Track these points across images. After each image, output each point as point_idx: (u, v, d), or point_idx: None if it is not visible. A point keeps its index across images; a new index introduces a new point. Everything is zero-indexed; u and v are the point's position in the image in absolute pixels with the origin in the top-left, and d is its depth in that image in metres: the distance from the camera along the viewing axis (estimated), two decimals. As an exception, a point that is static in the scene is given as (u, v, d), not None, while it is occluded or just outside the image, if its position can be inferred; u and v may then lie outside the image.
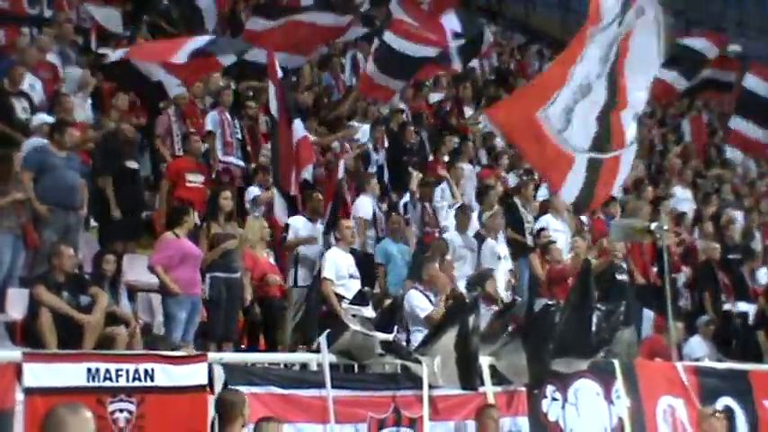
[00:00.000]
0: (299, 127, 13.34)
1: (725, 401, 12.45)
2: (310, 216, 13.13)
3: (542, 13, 35.08)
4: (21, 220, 11.23)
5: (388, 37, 16.15)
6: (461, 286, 13.22)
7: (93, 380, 8.52)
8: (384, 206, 14.95)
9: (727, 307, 15.58)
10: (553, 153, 11.19)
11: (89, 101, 14.09)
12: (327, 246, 12.55)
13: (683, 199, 19.41)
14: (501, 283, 13.81)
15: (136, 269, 11.82)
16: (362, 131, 16.82)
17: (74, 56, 15.32)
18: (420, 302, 11.88)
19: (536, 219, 15.69)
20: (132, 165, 12.89)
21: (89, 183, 12.11)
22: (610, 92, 11.64)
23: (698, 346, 14.53)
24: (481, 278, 13.07)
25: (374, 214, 14.40)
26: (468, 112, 20.29)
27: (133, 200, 12.80)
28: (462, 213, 14.43)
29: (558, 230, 15.23)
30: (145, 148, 14.18)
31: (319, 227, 13.15)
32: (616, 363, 11.97)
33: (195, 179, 13.17)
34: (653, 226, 13.99)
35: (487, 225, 14.53)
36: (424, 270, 12.22)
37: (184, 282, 11.08)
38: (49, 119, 12.46)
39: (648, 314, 14.60)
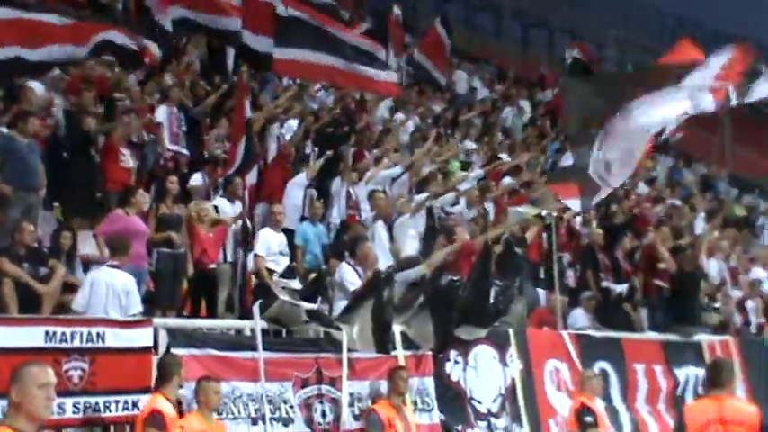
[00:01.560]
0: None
1: (601, 365, 12.64)
2: (230, 198, 13.09)
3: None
4: (-14, 200, 11.03)
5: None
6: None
7: (51, 341, 8.49)
8: (312, 192, 14.84)
9: (605, 284, 15.76)
10: None
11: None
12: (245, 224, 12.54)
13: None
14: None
15: (90, 244, 11.65)
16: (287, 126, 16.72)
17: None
18: (350, 277, 11.76)
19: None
20: (92, 152, 12.70)
21: (47, 166, 11.92)
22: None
23: (580, 317, 14.69)
24: (411, 262, 13.00)
25: (303, 198, 14.33)
26: (383, 111, 20.30)
27: (91, 183, 12.63)
28: (377, 197, 14.41)
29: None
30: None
31: (238, 208, 13.06)
32: (510, 331, 12.09)
33: (125, 160, 13.01)
34: (543, 213, 14.13)
35: (400, 209, 14.54)
36: (358, 248, 12.10)
37: (132, 254, 10.93)
38: None
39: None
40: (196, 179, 13.46)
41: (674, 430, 7.48)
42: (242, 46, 13.60)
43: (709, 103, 11.89)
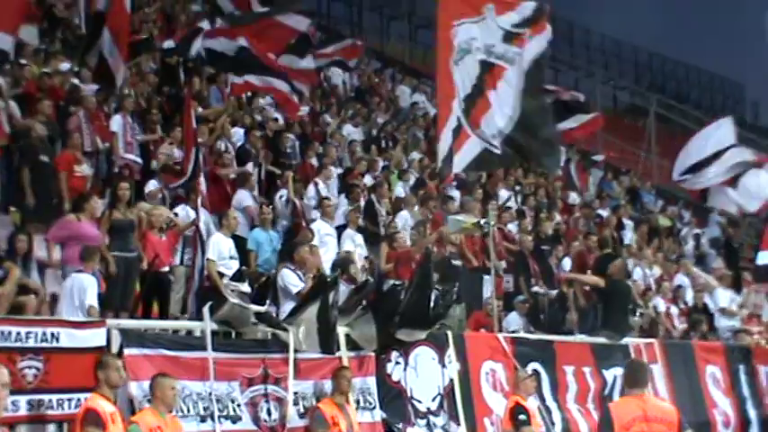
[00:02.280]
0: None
1: (533, 366, 12.73)
2: (193, 206, 13.06)
3: (395, 44, 35.55)
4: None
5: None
6: (327, 267, 13.25)
7: (6, 340, 8.41)
8: (260, 199, 14.83)
9: (535, 289, 15.92)
10: None
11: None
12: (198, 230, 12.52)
13: (505, 199, 19.69)
14: (357, 266, 13.86)
15: (45, 247, 11.52)
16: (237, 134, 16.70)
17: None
18: (292, 280, 11.83)
19: (393, 214, 15.84)
20: (44, 158, 12.56)
21: (6, 174, 11.79)
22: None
23: (514, 320, 14.81)
24: (344, 262, 13.10)
25: (251, 205, 14.31)
26: (328, 120, 20.38)
27: (46, 188, 12.48)
28: (326, 206, 14.47)
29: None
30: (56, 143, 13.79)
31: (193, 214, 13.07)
32: (449, 333, 12.15)
33: (80, 169, 12.90)
34: (482, 221, 14.24)
35: (349, 218, 14.59)
36: (296, 252, 12.19)
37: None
38: None
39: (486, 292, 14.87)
40: (152, 185, 13.38)
41: (600, 427, 7.43)
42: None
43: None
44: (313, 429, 10.08)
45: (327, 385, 10.41)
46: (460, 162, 12.83)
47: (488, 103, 12.65)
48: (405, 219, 15.63)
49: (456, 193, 18.18)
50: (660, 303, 17.64)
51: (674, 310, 17.87)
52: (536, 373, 12.54)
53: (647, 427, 7.04)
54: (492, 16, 12.64)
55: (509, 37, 12.65)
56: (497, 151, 12.67)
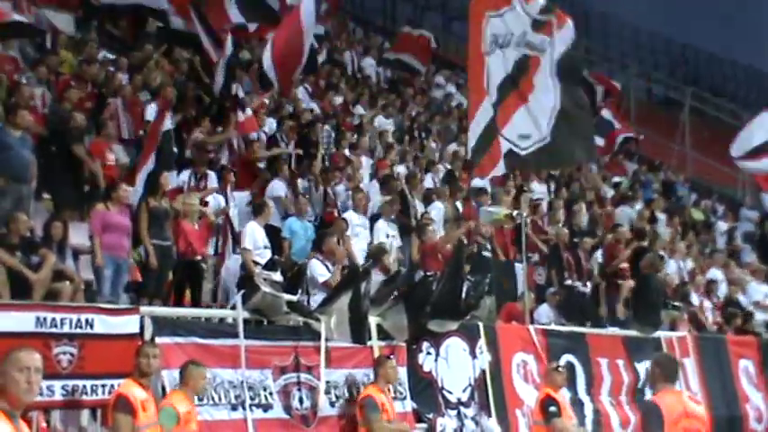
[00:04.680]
0: None
1: (566, 358, 12.68)
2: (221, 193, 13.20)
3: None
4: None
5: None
6: (359, 258, 13.23)
7: (41, 326, 8.49)
8: (291, 189, 14.80)
9: (568, 282, 15.79)
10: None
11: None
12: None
13: (539, 192, 19.55)
14: (391, 257, 13.82)
15: (80, 234, 11.57)
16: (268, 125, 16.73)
17: (31, 52, 14.94)
18: (319, 270, 11.86)
19: (425, 204, 15.77)
20: (79, 147, 12.61)
21: (40, 160, 11.85)
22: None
23: (546, 312, 14.73)
24: (378, 252, 13.06)
25: (285, 195, 14.33)
26: (361, 111, 20.34)
27: (79, 176, 12.54)
28: (359, 196, 14.44)
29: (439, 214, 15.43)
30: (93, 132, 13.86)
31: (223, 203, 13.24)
32: (480, 325, 12.12)
33: (112, 158, 12.94)
34: (514, 213, 14.17)
35: (383, 209, 14.55)
36: (324, 243, 12.22)
37: (110, 245, 10.84)
38: None
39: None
40: (184, 175, 13.40)
41: (648, 422, 7.04)
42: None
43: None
44: (366, 415, 10.03)
45: (361, 374, 10.41)
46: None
47: (519, 101, 12.79)
48: (439, 210, 15.54)
49: (487, 185, 18.06)
50: (694, 297, 17.47)
51: (707, 303, 17.69)
52: (570, 365, 12.49)
53: (688, 423, 6.90)
54: (521, 4, 12.82)
55: (537, 25, 12.81)
56: (522, 153, 12.82)
